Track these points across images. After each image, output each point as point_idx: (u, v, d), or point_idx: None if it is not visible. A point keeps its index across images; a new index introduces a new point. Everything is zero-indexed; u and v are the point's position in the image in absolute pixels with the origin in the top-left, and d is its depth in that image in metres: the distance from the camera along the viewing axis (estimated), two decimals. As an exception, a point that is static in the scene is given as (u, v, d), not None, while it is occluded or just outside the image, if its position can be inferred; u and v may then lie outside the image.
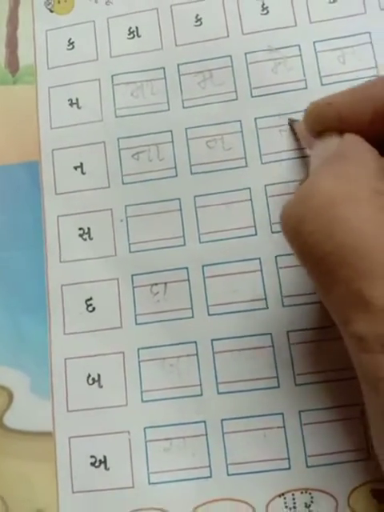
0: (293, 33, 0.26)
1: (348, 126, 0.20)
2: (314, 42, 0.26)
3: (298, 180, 0.25)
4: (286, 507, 0.23)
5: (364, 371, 0.17)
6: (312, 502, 0.23)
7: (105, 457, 0.23)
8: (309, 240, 0.17)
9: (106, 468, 0.23)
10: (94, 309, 0.25)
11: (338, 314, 0.17)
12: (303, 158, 0.25)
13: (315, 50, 0.26)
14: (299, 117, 0.25)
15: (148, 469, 0.23)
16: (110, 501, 0.23)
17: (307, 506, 0.23)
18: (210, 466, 0.23)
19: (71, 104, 0.27)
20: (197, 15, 0.27)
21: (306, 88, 0.26)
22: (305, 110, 0.22)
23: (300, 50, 0.26)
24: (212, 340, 0.24)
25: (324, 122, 0.20)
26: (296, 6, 0.26)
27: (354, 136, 0.20)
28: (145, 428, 0.24)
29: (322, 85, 0.26)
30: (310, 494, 0.23)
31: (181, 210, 0.25)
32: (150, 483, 0.23)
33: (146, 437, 0.23)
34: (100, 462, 0.23)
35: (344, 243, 0.16)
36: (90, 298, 0.25)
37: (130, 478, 0.23)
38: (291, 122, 0.25)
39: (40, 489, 0.23)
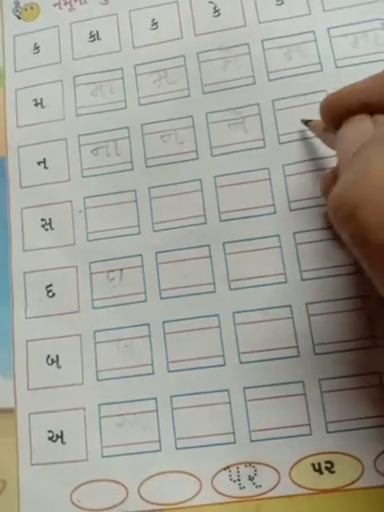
0: (242, 32, 0.28)
1: (372, 111, 0.20)
2: (262, 41, 0.27)
3: (246, 170, 0.26)
4: (231, 480, 0.24)
5: None
6: (255, 474, 0.24)
7: (62, 432, 0.25)
8: (367, 225, 0.16)
9: (63, 442, 0.25)
10: (53, 294, 0.26)
11: None
12: (250, 150, 0.26)
13: (263, 47, 0.27)
14: (250, 111, 0.26)
15: (101, 443, 0.25)
16: (66, 472, 0.24)
17: (251, 478, 0.24)
18: (159, 441, 0.24)
19: (36, 104, 0.28)
20: (153, 19, 0.29)
21: (254, 83, 0.27)
22: (320, 107, 0.21)
23: (249, 48, 0.27)
24: (163, 322, 0.25)
25: (346, 110, 0.20)
26: (246, 8, 0.28)
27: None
28: (99, 405, 0.25)
29: (269, 80, 0.27)
30: (253, 467, 0.24)
31: (136, 200, 0.27)
32: (103, 456, 0.24)
33: (100, 413, 0.25)
34: (57, 436, 0.25)
35: None
36: (50, 284, 0.26)
37: (84, 452, 0.25)
38: (305, 122, 0.25)
39: (2, 462, 0.25)
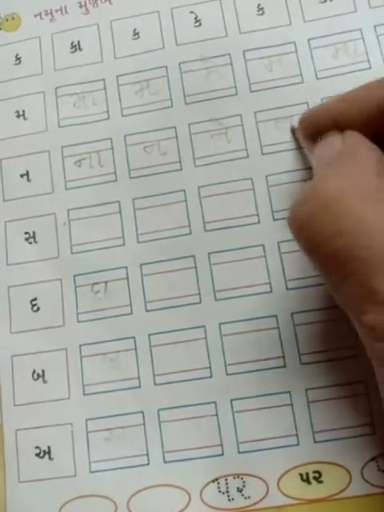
0: (224, 43, 0.27)
1: (343, 128, 0.21)
2: (244, 51, 0.27)
3: (230, 181, 0.26)
4: (220, 492, 0.23)
5: (378, 358, 0.18)
6: (244, 486, 0.23)
7: (49, 447, 0.24)
8: (317, 237, 0.18)
9: (50, 458, 0.24)
10: (38, 308, 0.26)
11: (349, 307, 0.18)
12: (234, 160, 0.26)
13: (245, 58, 0.27)
14: (232, 121, 0.26)
15: (89, 458, 0.24)
16: (54, 489, 0.24)
17: (239, 490, 0.23)
18: (147, 454, 0.24)
19: (18, 116, 0.28)
20: (134, 29, 0.28)
21: (236, 94, 0.26)
22: (299, 118, 0.23)
23: (231, 58, 0.27)
24: (149, 335, 0.25)
25: (319, 127, 0.21)
26: (227, 18, 0.27)
27: (355, 134, 0.20)
28: (86, 419, 0.24)
29: (251, 91, 0.27)
30: (242, 478, 0.24)
31: (120, 212, 0.26)
32: (91, 471, 0.24)
33: (87, 428, 0.24)
34: (44, 452, 0.24)
35: (352, 238, 0.17)
36: (35, 299, 0.26)
37: (72, 467, 0.24)
38: (293, 129, 0.26)
39: (-12, 479, 0.25)
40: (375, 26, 0.27)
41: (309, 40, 0.27)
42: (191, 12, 0.28)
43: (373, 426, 0.23)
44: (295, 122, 0.25)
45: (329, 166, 0.19)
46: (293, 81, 0.26)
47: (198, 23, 0.28)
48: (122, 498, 0.24)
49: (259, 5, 0.28)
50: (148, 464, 0.24)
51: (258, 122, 0.26)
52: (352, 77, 0.26)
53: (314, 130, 0.22)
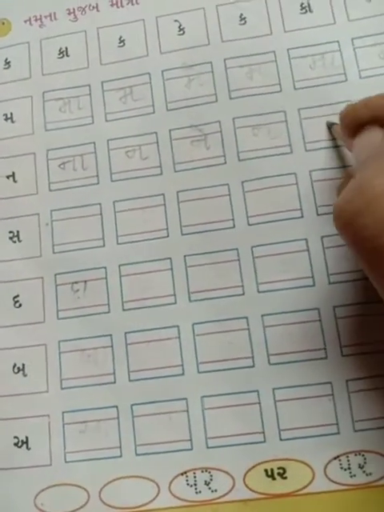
0: (206, 51, 0.28)
1: (382, 124, 0.21)
2: (225, 59, 0.28)
3: (208, 186, 0.27)
4: (188, 484, 0.24)
5: None
6: (211, 479, 0.24)
7: (27, 438, 0.25)
8: (364, 232, 0.18)
9: (28, 448, 0.25)
10: (20, 305, 0.26)
11: None
12: (212, 166, 0.27)
13: (226, 66, 0.27)
14: (212, 128, 0.27)
15: (65, 448, 0.25)
16: (31, 477, 0.25)
17: (207, 483, 0.24)
18: (120, 447, 0.25)
19: (6, 119, 0.28)
20: (120, 37, 0.29)
21: (216, 101, 0.27)
22: (340, 113, 0.23)
23: (212, 66, 0.27)
24: (125, 333, 0.25)
25: (360, 122, 0.21)
26: (209, 27, 0.28)
27: None
28: (63, 412, 0.25)
29: (231, 98, 0.27)
30: (209, 472, 0.24)
31: (101, 214, 0.27)
32: (66, 461, 0.25)
33: (63, 420, 0.25)
34: (22, 442, 0.25)
35: None
36: (17, 295, 0.26)
37: (48, 457, 0.25)
38: (330, 125, 0.26)
39: (-31, 467, 0.25)
40: (353, 39, 0.27)
41: (288, 50, 0.27)
42: (175, 20, 0.29)
43: (338, 425, 0.24)
44: (332, 119, 0.25)
45: (371, 162, 0.19)
46: (271, 89, 0.27)
47: (181, 31, 0.28)
48: (95, 487, 0.24)
49: (241, 14, 0.28)
50: (120, 456, 0.25)
51: (236, 128, 0.27)
52: (328, 88, 0.26)
53: (355, 124, 0.22)
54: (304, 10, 0.28)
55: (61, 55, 0.29)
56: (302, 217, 0.25)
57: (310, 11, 0.28)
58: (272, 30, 0.28)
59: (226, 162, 0.26)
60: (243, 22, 0.28)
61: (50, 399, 0.25)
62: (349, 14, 0.27)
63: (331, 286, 0.25)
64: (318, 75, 0.27)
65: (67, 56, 0.29)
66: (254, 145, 0.26)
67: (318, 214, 0.25)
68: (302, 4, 0.28)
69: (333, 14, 0.27)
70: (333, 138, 0.26)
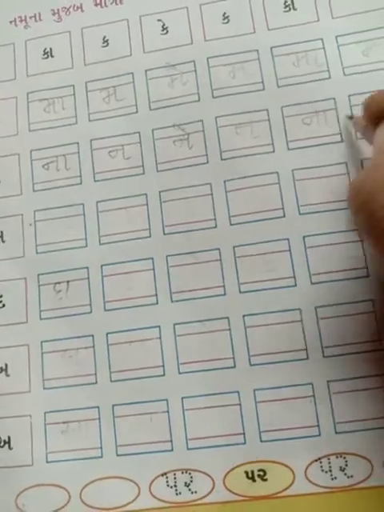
0: (189, 50, 0.27)
1: None
2: (208, 58, 0.27)
3: (190, 186, 0.26)
4: (168, 486, 0.24)
5: None
6: (191, 481, 0.23)
7: (9, 437, 0.25)
8: (376, 215, 0.18)
9: (10, 447, 0.25)
10: (3, 305, 0.26)
11: None
12: (194, 166, 0.26)
13: (208, 65, 0.27)
14: (194, 127, 0.26)
15: (46, 449, 0.24)
16: (12, 477, 0.24)
17: (187, 484, 0.23)
18: (101, 447, 0.24)
19: (-9, 120, 0.28)
20: (104, 37, 0.28)
21: (198, 100, 0.26)
22: (363, 103, 0.22)
23: (195, 65, 0.27)
24: (107, 333, 0.25)
25: (381, 112, 0.21)
26: (193, 26, 0.27)
27: None
28: (45, 412, 0.25)
29: (214, 97, 0.26)
30: (189, 473, 0.24)
31: (84, 214, 0.26)
32: (47, 461, 0.24)
33: (45, 420, 0.25)
34: (5, 442, 0.25)
35: None
36: (1, 295, 0.26)
37: (30, 457, 0.24)
38: (349, 117, 0.25)
39: None
40: (337, 36, 0.26)
41: (271, 48, 0.27)
42: (159, 20, 0.28)
43: (319, 427, 0.23)
44: (349, 113, 0.25)
45: None
46: (254, 88, 0.26)
47: (164, 31, 0.28)
48: (76, 487, 0.24)
49: (225, 13, 0.27)
50: (101, 456, 0.24)
51: (218, 127, 0.26)
52: (312, 86, 0.26)
53: (377, 114, 0.21)
54: (288, 8, 0.27)
55: (45, 56, 0.28)
56: (284, 216, 0.25)
57: (294, 9, 0.27)
58: (255, 28, 0.27)
59: (208, 162, 0.26)
60: (226, 20, 0.27)
61: (32, 399, 0.25)
62: (333, 11, 0.26)
63: (313, 287, 0.24)
64: (301, 73, 0.26)
65: (52, 56, 0.28)
66: (237, 144, 0.25)
67: (300, 214, 0.24)
68: (286, 2, 0.27)
69: (317, 12, 0.26)
70: (349, 133, 0.25)
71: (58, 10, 0.29)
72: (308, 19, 0.26)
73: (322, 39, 0.26)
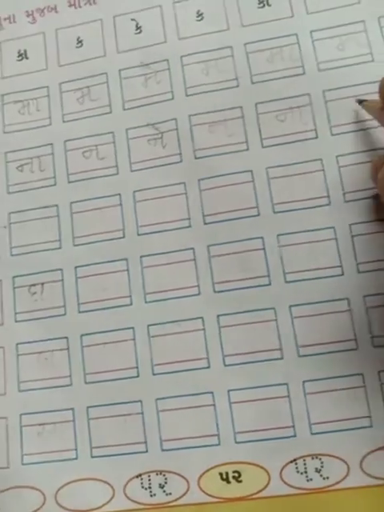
0: (162, 49, 0.26)
1: None
2: (181, 57, 0.26)
3: (164, 185, 0.25)
4: (143, 487, 0.23)
5: None
6: (166, 482, 0.23)
7: (-15, 440, 0.25)
8: None
9: (-14, 450, 0.25)
10: (-21, 307, 0.26)
11: None
12: (168, 165, 0.25)
13: (182, 63, 0.26)
14: (168, 126, 0.25)
15: (22, 451, 0.24)
16: (-12, 480, 0.24)
17: (161, 486, 0.23)
18: (76, 449, 0.24)
19: (-34, 122, 0.28)
20: (78, 37, 0.27)
21: (172, 99, 0.26)
22: (379, 87, 0.21)
23: (169, 64, 0.26)
24: (81, 335, 0.25)
25: None
26: (166, 24, 0.27)
27: None
28: (21, 414, 0.24)
29: (187, 96, 0.26)
30: (164, 475, 0.23)
31: (58, 215, 0.26)
32: (23, 464, 0.24)
33: (21, 422, 0.24)
34: (-20, 445, 0.25)
35: None
36: (-24, 298, 0.26)
37: (5, 459, 0.24)
38: (360, 102, 0.24)
39: None
40: (311, 32, 0.25)
41: (245, 44, 0.26)
42: (132, 20, 0.27)
43: (294, 428, 0.23)
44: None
45: None
46: (228, 85, 0.26)
47: (138, 30, 0.27)
48: (51, 489, 0.24)
49: (198, 11, 0.27)
50: (76, 458, 0.24)
51: (192, 125, 0.25)
52: (286, 82, 0.25)
53: None
54: (262, 4, 0.26)
55: (20, 57, 0.28)
56: (259, 215, 0.24)
57: (268, 5, 0.26)
58: (229, 25, 0.26)
59: (182, 161, 0.25)
60: (200, 18, 0.27)
61: (7, 401, 0.24)
62: (307, 6, 0.26)
63: (287, 285, 0.23)
64: (275, 69, 0.25)
65: (26, 58, 0.28)
66: (211, 142, 0.25)
67: (274, 212, 0.24)
68: (260, -3, 0.27)
69: (291, 8, 0.26)
70: (358, 121, 0.24)
71: (33, 11, 0.28)
72: (282, 15, 0.26)
73: (296, 35, 0.26)
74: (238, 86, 0.25)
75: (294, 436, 0.22)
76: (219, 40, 0.26)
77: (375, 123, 0.24)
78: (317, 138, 0.25)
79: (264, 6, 0.26)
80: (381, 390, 0.22)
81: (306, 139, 0.25)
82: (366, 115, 0.24)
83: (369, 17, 0.26)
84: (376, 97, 0.23)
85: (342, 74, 0.25)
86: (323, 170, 0.24)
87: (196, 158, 0.25)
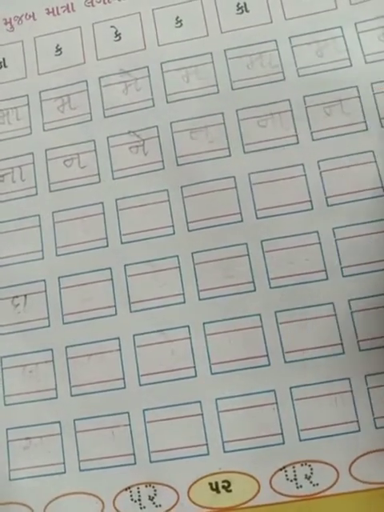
0: (142, 56, 0.25)
1: None
2: (161, 63, 0.25)
3: (146, 193, 0.24)
4: (132, 500, 0.22)
5: None
6: (155, 494, 0.22)
7: (-30, 457, 0.23)
8: None
9: (-28, 467, 0.23)
10: (-39, 321, 0.24)
11: None
12: (150, 172, 0.24)
13: (162, 70, 0.25)
14: (149, 133, 0.24)
15: (9, 466, 0.23)
16: (-26, 497, 0.23)
17: (151, 498, 0.22)
18: (64, 463, 0.22)
19: None
20: (57, 45, 0.26)
21: (153, 106, 0.25)
22: None
23: (148, 71, 0.25)
24: (66, 347, 0.23)
25: None
26: (146, 31, 0.25)
27: None
28: (7, 429, 0.23)
29: (168, 102, 0.25)
30: (153, 487, 0.22)
31: (40, 225, 0.24)
32: (10, 479, 0.23)
33: (7, 437, 0.23)
34: (-34, 461, 0.23)
35: None
36: None
37: (-8, 476, 0.23)
38: None
39: None
40: (290, 37, 0.24)
41: (225, 50, 0.25)
42: (112, 26, 0.26)
43: (282, 435, 0.22)
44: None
45: None
46: (208, 91, 0.24)
47: (117, 37, 0.26)
48: (39, 505, 0.22)
49: (178, 17, 0.26)
50: (64, 472, 0.22)
51: (173, 132, 0.24)
52: (266, 88, 0.24)
53: None
54: (240, 11, 0.25)
55: (-2, 66, 0.27)
56: (242, 221, 0.23)
57: (247, 11, 0.25)
58: (208, 31, 0.25)
59: (164, 168, 0.24)
60: (179, 24, 0.25)
61: (-8, 416, 0.24)
62: (285, 12, 0.25)
63: (272, 291, 0.22)
64: (255, 75, 0.24)
65: (5, 67, 0.26)
66: (192, 149, 0.24)
67: (257, 218, 0.23)
68: (239, 4, 0.25)
69: (269, 14, 0.25)
70: None
71: (10, 19, 0.27)
72: (261, 21, 0.25)
73: (275, 41, 0.24)
74: (218, 93, 0.24)
75: (283, 443, 0.21)
76: (199, 46, 0.25)
77: (355, 128, 0.24)
78: (298, 143, 0.24)
79: (242, 12, 0.25)
80: (368, 394, 0.21)
81: (288, 144, 0.23)
82: (345, 120, 0.24)
83: (346, 22, 0.25)
84: (356, 101, 0.23)
85: (321, 79, 0.24)
86: (305, 175, 0.23)
87: (178, 165, 0.24)
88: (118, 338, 0.23)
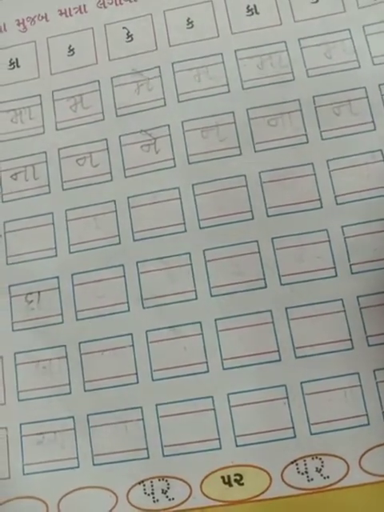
0: (154, 56, 0.25)
1: None
2: (173, 63, 0.24)
3: (158, 190, 0.23)
4: (145, 493, 0.21)
5: None
6: (168, 488, 0.21)
7: (-16, 451, 0.23)
8: None
9: (-14, 462, 0.23)
10: (-25, 317, 0.24)
11: None
12: (162, 170, 0.23)
13: (173, 70, 0.24)
14: (161, 132, 0.24)
15: (23, 461, 0.22)
16: (-11, 491, 0.22)
17: (164, 491, 0.21)
18: (77, 457, 0.22)
19: None
20: (70, 45, 0.25)
21: (164, 105, 0.24)
22: None
23: (160, 71, 0.24)
24: (79, 343, 0.22)
25: None
26: (157, 32, 0.25)
27: None
28: (21, 424, 0.22)
29: (179, 102, 0.24)
30: (166, 481, 0.21)
31: (53, 223, 0.24)
32: (24, 474, 0.22)
33: (21, 432, 0.22)
34: (-20, 456, 0.23)
35: None
36: (-28, 308, 0.24)
37: (6, 470, 0.22)
38: None
39: None
40: (299, 39, 0.24)
41: (235, 51, 0.24)
42: (124, 28, 0.25)
43: (294, 429, 0.21)
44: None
45: None
46: (219, 91, 0.24)
47: (129, 38, 0.25)
48: (53, 499, 0.21)
49: (189, 18, 0.25)
50: (78, 467, 0.22)
51: (185, 131, 0.24)
52: (276, 88, 0.23)
53: None
54: (250, 12, 0.25)
55: (11, 66, 0.26)
56: (253, 219, 0.22)
57: (257, 13, 0.25)
58: (219, 32, 0.24)
59: (175, 166, 0.23)
60: (190, 25, 0.25)
61: (7, 411, 0.22)
62: (294, 15, 0.24)
63: (283, 287, 0.22)
64: (265, 75, 0.24)
65: (18, 67, 0.26)
66: (203, 147, 0.23)
67: (268, 216, 0.22)
68: (249, 6, 0.25)
69: (279, 16, 0.24)
70: None
71: (23, 20, 0.26)
72: (271, 23, 0.24)
73: (285, 42, 0.24)
74: (229, 92, 0.24)
75: (294, 437, 0.21)
76: (210, 47, 0.24)
77: (363, 128, 0.23)
78: (307, 142, 0.23)
79: (252, 13, 0.25)
80: (377, 388, 0.21)
81: (297, 144, 0.23)
82: (354, 120, 0.24)
83: (354, 25, 0.24)
84: (364, 101, 0.23)
85: (330, 80, 0.23)
86: (314, 173, 0.23)
87: (189, 164, 0.23)
88: (131, 334, 0.22)
